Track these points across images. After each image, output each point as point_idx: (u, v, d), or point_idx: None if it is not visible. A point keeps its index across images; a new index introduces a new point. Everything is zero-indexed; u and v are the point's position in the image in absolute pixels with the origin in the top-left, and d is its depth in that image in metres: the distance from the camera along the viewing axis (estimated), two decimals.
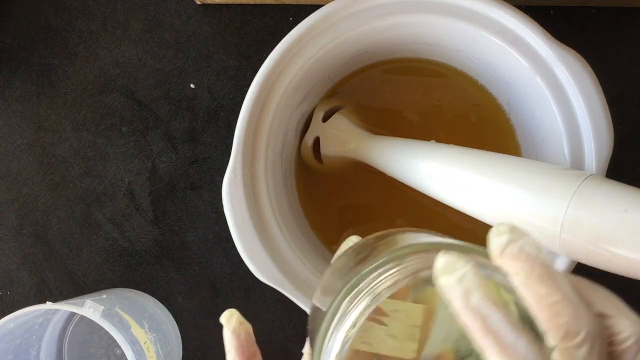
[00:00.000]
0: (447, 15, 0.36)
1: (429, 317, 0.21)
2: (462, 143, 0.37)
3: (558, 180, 0.29)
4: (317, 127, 0.42)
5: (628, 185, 0.28)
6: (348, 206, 0.43)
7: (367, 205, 0.43)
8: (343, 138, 0.41)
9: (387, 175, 0.40)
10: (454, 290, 0.18)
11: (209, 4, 0.46)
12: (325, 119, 0.42)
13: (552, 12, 0.46)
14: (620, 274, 0.27)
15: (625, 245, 0.25)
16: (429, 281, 0.19)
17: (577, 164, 0.35)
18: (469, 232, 0.41)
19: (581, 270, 0.33)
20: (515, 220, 0.30)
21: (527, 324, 0.18)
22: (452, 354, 0.21)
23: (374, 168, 0.40)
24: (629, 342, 0.18)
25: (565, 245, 0.28)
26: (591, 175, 0.28)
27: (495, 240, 0.18)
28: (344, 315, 0.20)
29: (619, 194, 0.27)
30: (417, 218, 0.43)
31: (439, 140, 0.42)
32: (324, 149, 0.42)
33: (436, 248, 0.19)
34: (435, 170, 0.34)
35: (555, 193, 0.28)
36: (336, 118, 0.42)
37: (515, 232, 0.18)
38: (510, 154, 0.36)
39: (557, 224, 0.28)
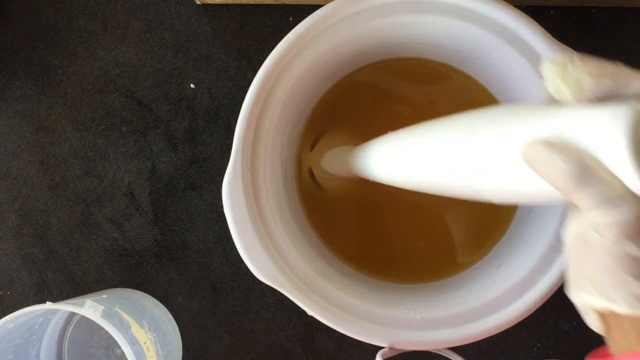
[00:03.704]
0: (447, 15, 0.36)
1: None
2: None
3: None
4: (307, 160, 0.42)
5: None
6: (348, 206, 0.43)
7: (368, 205, 0.43)
8: (332, 161, 0.41)
9: None
10: None
11: (209, 4, 0.46)
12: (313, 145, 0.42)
13: (552, 12, 0.46)
14: None
15: None
16: None
17: None
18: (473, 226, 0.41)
19: None
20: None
21: None
22: None
23: None
24: None
25: None
26: None
27: None
28: None
29: None
30: (417, 216, 0.43)
31: None
32: (319, 178, 0.42)
33: None
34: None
35: None
36: (321, 145, 0.42)
37: None
38: None
39: None
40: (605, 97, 0.23)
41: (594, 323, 0.25)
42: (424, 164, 0.31)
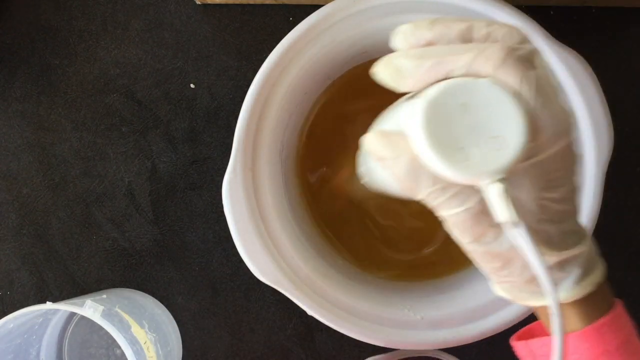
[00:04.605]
0: (447, 15, 0.36)
1: None
2: None
3: None
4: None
5: None
6: (348, 206, 0.43)
7: (368, 205, 0.43)
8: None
9: None
10: None
11: (209, 4, 0.46)
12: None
13: (552, 12, 0.46)
14: None
15: None
16: None
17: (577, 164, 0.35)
18: None
19: None
20: None
21: None
22: None
23: None
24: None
25: None
26: None
27: None
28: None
29: None
30: (417, 216, 0.43)
31: None
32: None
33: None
34: None
35: None
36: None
37: None
38: None
39: None
40: (435, 80, 0.22)
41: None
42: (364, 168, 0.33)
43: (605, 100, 0.35)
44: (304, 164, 0.43)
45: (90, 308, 0.38)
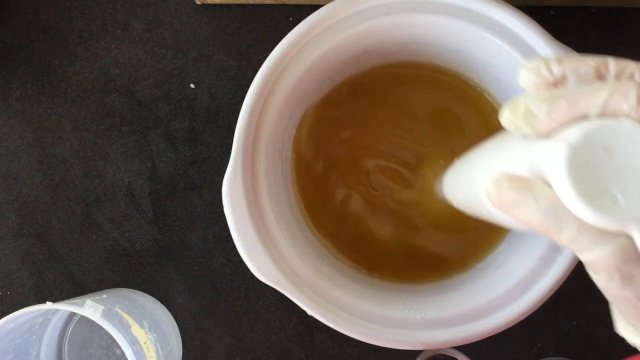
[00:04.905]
0: (447, 15, 0.36)
1: None
2: (460, 144, 0.37)
3: None
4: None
5: None
6: (348, 206, 0.43)
7: (368, 205, 0.43)
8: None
9: (387, 174, 0.40)
10: None
11: (209, 4, 0.46)
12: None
13: (552, 12, 0.46)
14: None
15: None
16: None
17: None
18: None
19: None
20: None
21: None
22: None
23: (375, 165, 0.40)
24: None
25: None
26: None
27: None
28: None
29: None
30: (417, 216, 0.43)
31: (437, 140, 0.42)
32: None
33: None
34: None
35: None
36: None
37: None
38: None
39: None
40: (570, 121, 0.22)
41: None
42: (462, 195, 0.32)
43: None
44: (303, 164, 0.43)
45: (90, 308, 0.38)
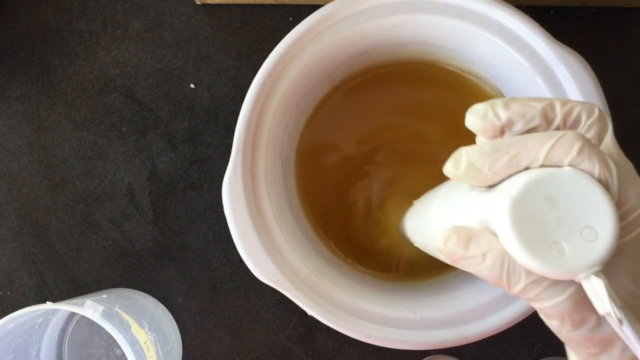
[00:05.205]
0: (447, 15, 0.36)
1: None
2: (460, 144, 0.37)
3: None
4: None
5: None
6: (349, 206, 0.43)
7: (368, 205, 0.43)
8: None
9: (388, 176, 0.40)
10: None
11: (209, 4, 0.46)
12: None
13: (552, 12, 0.46)
14: None
15: None
16: None
17: None
18: None
19: None
20: None
21: None
22: None
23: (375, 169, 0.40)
24: None
25: None
26: None
27: None
28: None
29: None
30: None
31: (437, 140, 0.42)
32: None
33: None
34: None
35: None
36: None
37: None
38: None
39: None
40: (512, 172, 0.22)
41: None
42: (421, 239, 0.33)
43: (605, 100, 0.35)
44: (303, 164, 0.43)
45: (90, 308, 0.38)
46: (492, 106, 0.23)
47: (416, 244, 0.35)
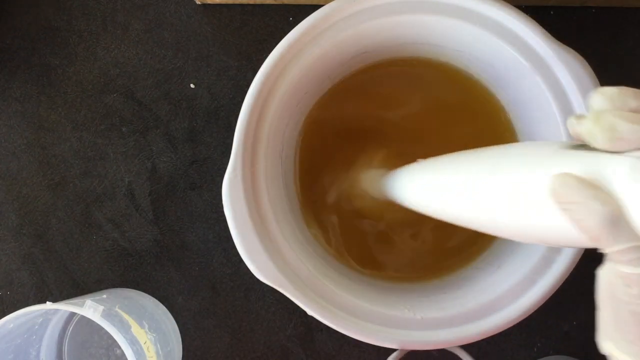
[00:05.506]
0: (447, 15, 0.36)
1: None
2: (460, 144, 0.37)
3: None
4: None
5: None
6: (348, 206, 0.43)
7: (368, 205, 0.43)
8: (369, 184, 0.41)
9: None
10: None
11: (209, 4, 0.46)
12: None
13: (552, 12, 0.46)
14: None
15: None
16: None
17: None
18: None
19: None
20: None
21: None
22: None
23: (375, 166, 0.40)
24: None
25: None
26: None
27: None
28: None
29: None
30: (417, 215, 0.43)
31: (437, 140, 0.42)
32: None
33: None
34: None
35: None
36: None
37: None
38: None
39: None
40: None
41: None
42: (451, 200, 0.31)
43: None
44: (303, 164, 0.43)
45: (90, 308, 0.38)
46: (624, 93, 0.23)
47: (421, 203, 0.34)
